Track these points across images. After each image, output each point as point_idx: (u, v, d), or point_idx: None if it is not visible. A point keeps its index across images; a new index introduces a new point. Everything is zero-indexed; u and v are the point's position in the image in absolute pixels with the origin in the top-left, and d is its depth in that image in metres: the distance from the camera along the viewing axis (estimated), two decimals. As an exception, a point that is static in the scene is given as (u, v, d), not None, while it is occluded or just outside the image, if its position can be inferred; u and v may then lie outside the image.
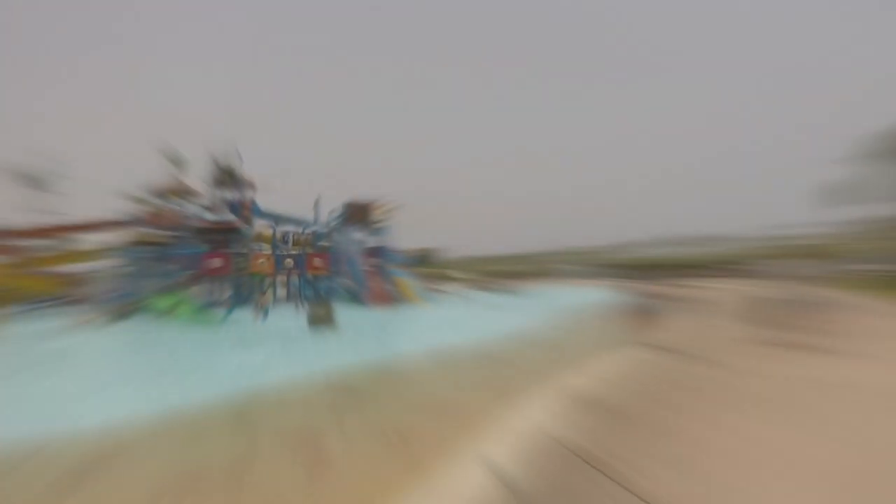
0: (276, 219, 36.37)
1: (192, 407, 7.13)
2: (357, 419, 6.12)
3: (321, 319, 19.09)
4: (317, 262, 35.23)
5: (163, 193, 32.41)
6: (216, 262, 30.69)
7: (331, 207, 37.97)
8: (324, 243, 37.08)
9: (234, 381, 9.03)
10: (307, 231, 37.87)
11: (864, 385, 5.28)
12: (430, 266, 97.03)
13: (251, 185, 35.30)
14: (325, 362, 11.25)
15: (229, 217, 31.94)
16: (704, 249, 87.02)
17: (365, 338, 17.10)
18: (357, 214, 35.74)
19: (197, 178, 34.85)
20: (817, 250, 37.58)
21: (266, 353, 13.49)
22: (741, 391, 5.67)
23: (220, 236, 32.30)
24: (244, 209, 33.98)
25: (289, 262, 34.66)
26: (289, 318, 23.39)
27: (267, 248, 36.05)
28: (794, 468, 3.25)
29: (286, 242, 37.05)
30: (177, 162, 32.81)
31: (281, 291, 37.26)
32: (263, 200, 35.90)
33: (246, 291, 33.54)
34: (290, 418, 6.41)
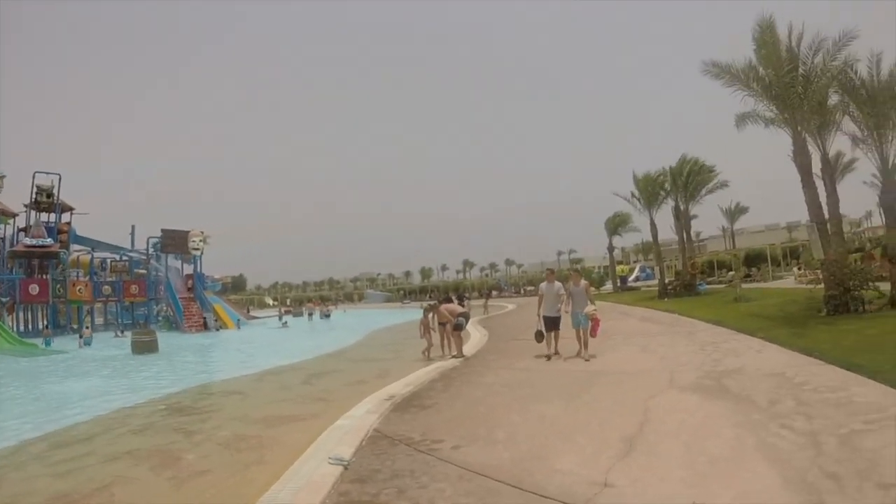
0: (94, 245, 36.70)
1: (36, 438, 7.04)
2: (203, 434, 6.48)
3: (144, 346, 19.25)
4: (134, 289, 36.66)
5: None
6: (34, 289, 30.53)
7: (147, 235, 38.50)
8: (141, 270, 38.40)
9: (72, 410, 8.95)
10: (124, 258, 38.61)
11: (614, 371, 7.54)
12: (244, 292, 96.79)
13: (69, 209, 35.18)
14: (155, 386, 11.44)
15: (47, 241, 31.62)
16: (498, 274, 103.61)
17: (189, 361, 17.45)
18: (173, 242, 36.96)
19: (13, 198, 33.05)
20: (588, 272, 49.80)
21: (95, 381, 13.22)
22: (527, 383, 7.33)
23: (38, 261, 32.08)
24: (62, 233, 33.71)
25: (107, 288, 35.57)
26: (111, 346, 24.05)
27: (85, 275, 36.07)
28: (572, 433, 4.60)
29: (104, 269, 37.60)
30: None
31: (99, 318, 37.02)
32: (80, 226, 35.93)
33: (65, 319, 33.29)
34: (139, 440, 6.52)
